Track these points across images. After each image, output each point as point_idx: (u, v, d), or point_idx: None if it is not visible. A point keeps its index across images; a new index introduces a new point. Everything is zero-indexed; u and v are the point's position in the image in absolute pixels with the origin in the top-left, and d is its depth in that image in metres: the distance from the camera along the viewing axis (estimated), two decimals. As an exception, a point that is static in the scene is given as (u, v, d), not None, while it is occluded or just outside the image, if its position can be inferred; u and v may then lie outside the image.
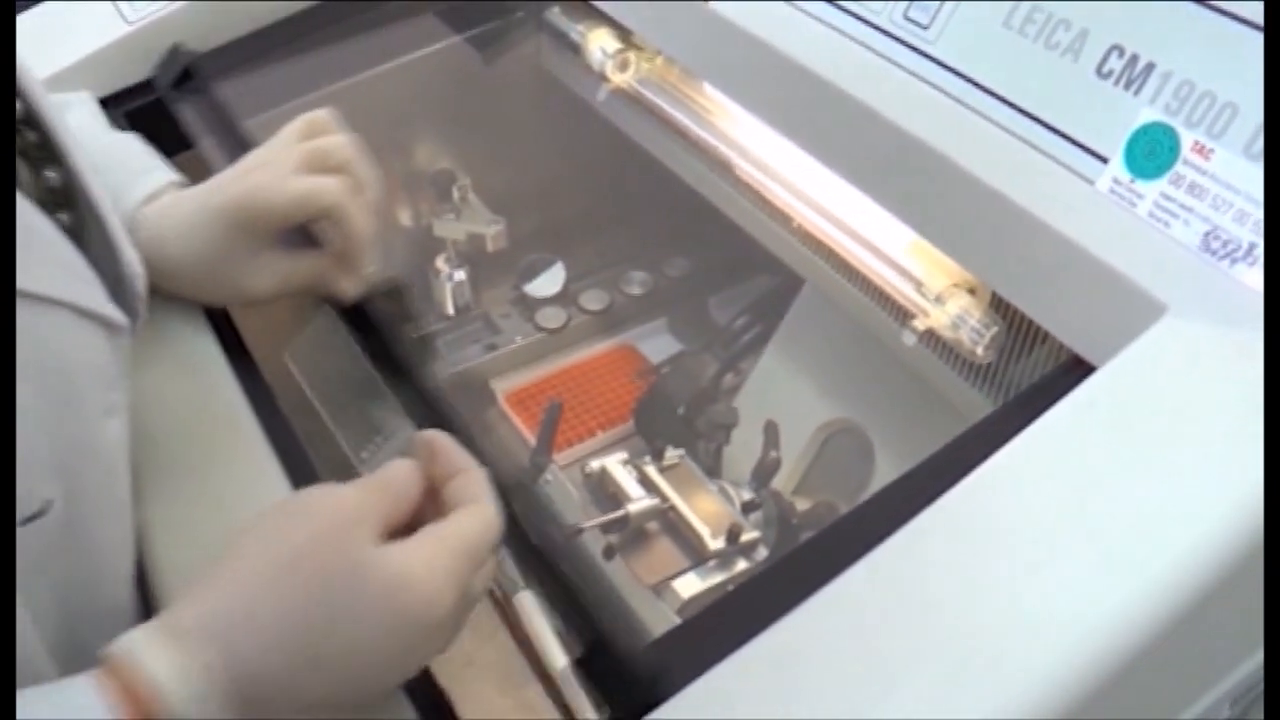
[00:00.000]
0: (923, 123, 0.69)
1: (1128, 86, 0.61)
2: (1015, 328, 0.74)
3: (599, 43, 1.00)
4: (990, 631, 0.48)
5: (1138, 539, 0.51)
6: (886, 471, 1.00)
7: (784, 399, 1.08)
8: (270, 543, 0.47)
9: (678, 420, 1.10)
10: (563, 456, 1.17)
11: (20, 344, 0.45)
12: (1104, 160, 0.61)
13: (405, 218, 1.29)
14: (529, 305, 1.31)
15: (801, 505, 1.02)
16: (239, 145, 0.79)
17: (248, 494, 0.64)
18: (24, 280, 0.45)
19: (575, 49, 1.03)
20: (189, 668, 0.42)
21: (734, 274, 1.32)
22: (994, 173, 0.65)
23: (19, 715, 0.39)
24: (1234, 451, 0.52)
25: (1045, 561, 0.50)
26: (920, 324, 0.74)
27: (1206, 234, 0.56)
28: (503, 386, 1.27)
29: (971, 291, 0.75)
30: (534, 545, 0.56)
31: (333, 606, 0.44)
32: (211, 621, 0.44)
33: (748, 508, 0.95)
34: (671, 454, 0.95)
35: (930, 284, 0.75)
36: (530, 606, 0.80)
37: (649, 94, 0.98)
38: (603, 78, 1.01)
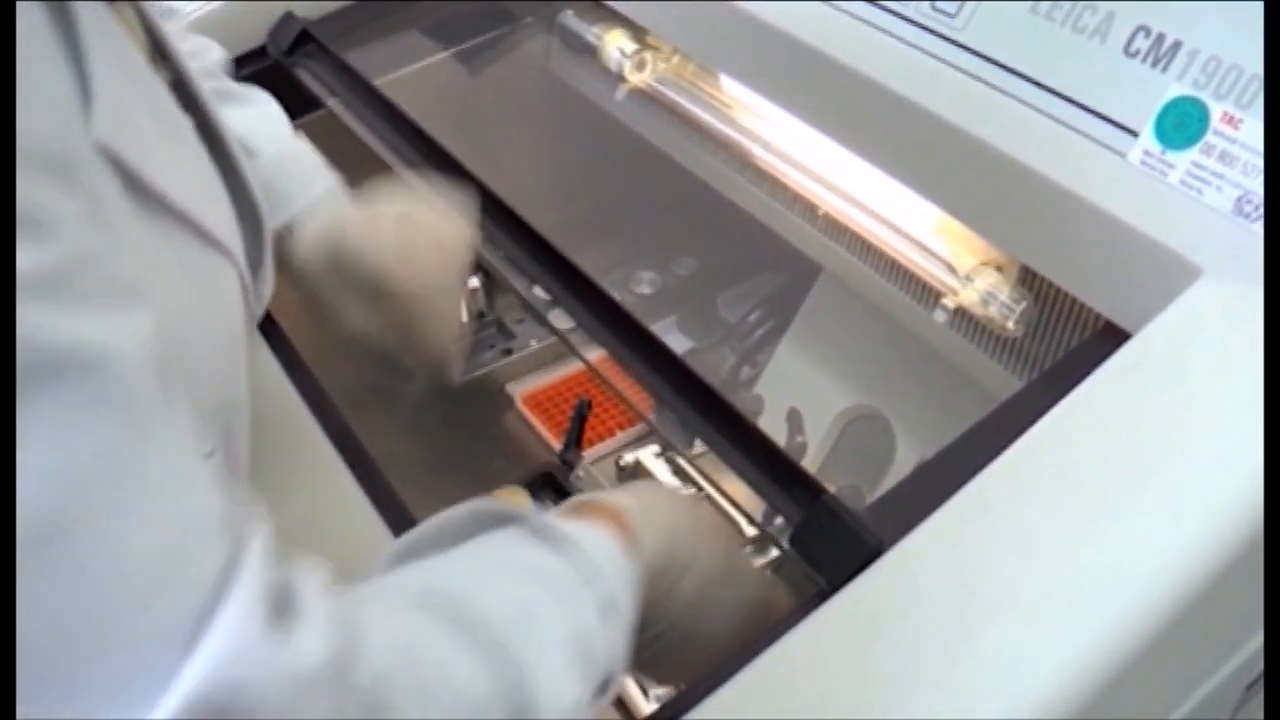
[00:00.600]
0: (952, 106, 0.71)
1: (1155, 64, 0.64)
2: (1044, 302, 0.76)
3: (616, 43, 1.03)
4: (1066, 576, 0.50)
5: (1190, 496, 0.53)
6: (907, 455, 1.02)
7: (802, 388, 1.10)
8: None
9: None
10: (587, 454, 1.18)
11: (198, 284, 0.48)
12: (1134, 134, 0.64)
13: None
14: (540, 309, 1.33)
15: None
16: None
17: (314, 485, 0.66)
18: (209, 224, 0.49)
19: (591, 51, 1.06)
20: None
21: (740, 272, 1.35)
22: (1025, 149, 0.68)
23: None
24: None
25: (1109, 514, 0.52)
26: (950, 302, 0.76)
27: (1239, 198, 0.59)
28: (520, 390, 1.28)
29: (999, 269, 0.77)
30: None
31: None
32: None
33: (777, 493, 0.97)
34: (699, 444, 0.97)
35: (959, 263, 0.78)
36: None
37: (668, 91, 1.00)
38: (620, 78, 1.04)
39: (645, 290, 1.36)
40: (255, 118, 0.78)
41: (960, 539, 0.55)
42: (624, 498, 0.59)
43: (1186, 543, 0.51)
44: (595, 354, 1.31)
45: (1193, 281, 0.60)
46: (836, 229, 0.89)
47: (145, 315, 0.39)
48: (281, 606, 0.39)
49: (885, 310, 0.98)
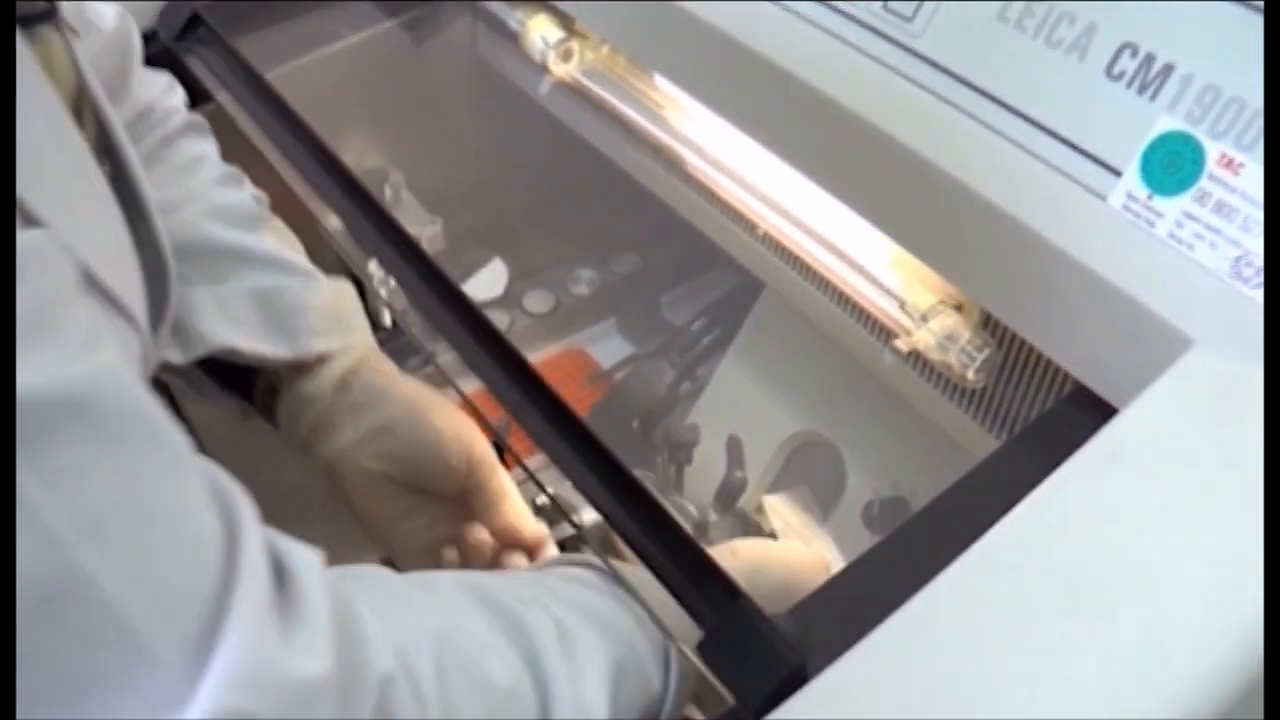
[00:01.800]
0: (905, 125, 0.62)
1: (1142, 90, 0.54)
2: (1009, 349, 0.68)
3: (539, 31, 0.92)
4: None
5: (1177, 632, 0.45)
6: (858, 487, 0.94)
7: (746, 409, 1.01)
8: None
9: (633, 435, 1.03)
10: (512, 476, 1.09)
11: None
12: (1117, 173, 0.54)
13: (332, 220, 1.20)
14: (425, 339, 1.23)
15: (769, 526, 0.96)
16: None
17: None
18: (114, 284, 0.46)
19: (513, 38, 0.95)
20: None
21: (687, 270, 1.25)
22: (987, 183, 0.59)
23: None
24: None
25: (1082, 648, 0.44)
26: (904, 344, 0.67)
27: (1237, 259, 0.50)
28: (444, 395, 1.19)
29: (959, 308, 0.68)
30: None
31: None
32: None
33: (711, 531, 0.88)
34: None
35: (914, 300, 0.69)
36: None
37: (595, 87, 0.90)
38: (544, 69, 0.93)
39: (583, 290, 1.27)
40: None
41: (908, 663, 0.46)
42: (729, 558, 0.61)
43: (1172, 689, 0.43)
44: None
45: (1182, 353, 0.51)
46: (778, 249, 0.80)
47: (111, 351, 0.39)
48: (285, 607, 0.40)
49: (833, 332, 0.89)
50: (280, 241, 0.75)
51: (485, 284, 1.24)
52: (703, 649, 0.51)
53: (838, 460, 0.96)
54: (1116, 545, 0.47)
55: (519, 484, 0.79)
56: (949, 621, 0.48)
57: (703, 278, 1.23)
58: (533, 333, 1.24)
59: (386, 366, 0.74)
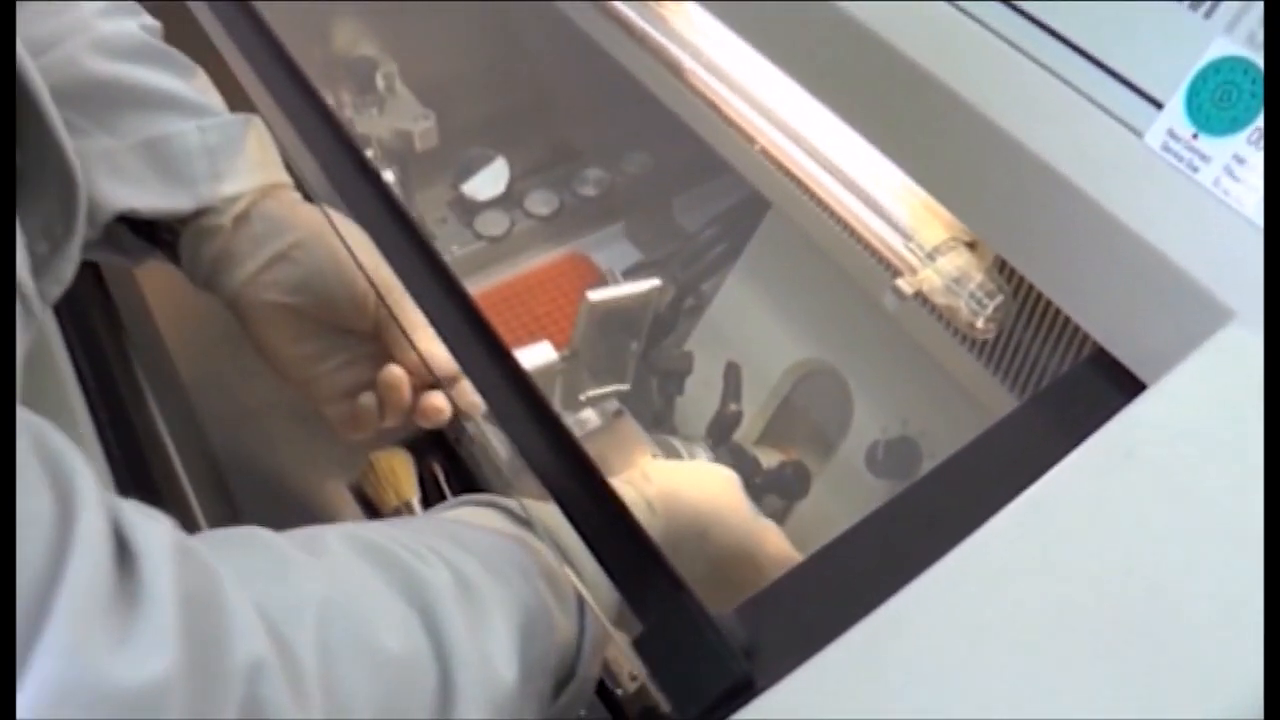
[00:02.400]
0: (916, 37, 0.53)
1: (1195, 3, 0.45)
2: (1024, 296, 0.59)
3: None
4: None
5: (1188, 651, 0.38)
6: (864, 423, 0.87)
7: (749, 333, 0.94)
8: None
9: (628, 355, 0.96)
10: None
11: None
12: (1157, 105, 0.45)
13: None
14: (468, 209, 1.16)
15: (767, 459, 0.89)
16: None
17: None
18: None
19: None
20: None
21: (702, 172, 1.16)
22: (1004, 107, 0.50)
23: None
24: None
25: (1081, 675, 0.37)
26: (907, 285, 0.59)
27: (1296, 217, 0.42)
28: (437, 304, 1.12)
29: (972, 246, 0.60)
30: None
31: None
32: None
33: (702, 471, 0.81)
34: (601, 391, 0.81)
35: (922, 235, 0.60)
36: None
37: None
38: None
39: (589, 191, 1.18)
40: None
41: (872, 681, 0.39)
42: (628, 489, 0.59)
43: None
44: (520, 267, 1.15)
45: (1220, 326, 0.42)
46: (780, 166, 0.71)
47: None
48: (125, 595, 0.35)
49: (840, 259, 0.80)
50: (178, 74, 0.68)
51: (485, 183, 1.16)
52: (640, 646, 0.45)
53: (844, 393, 0.88)
54: (1120, 561, 0.40)
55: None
56: (924, 635, 0.41)
57: (719, 180, 1.14)
58: (534, 236, 1.16)
59: (291, 196, 0.68)
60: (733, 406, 0.83)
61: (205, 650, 0.36)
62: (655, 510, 0.59)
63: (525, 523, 0.53)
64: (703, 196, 1.17)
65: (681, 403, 0.90)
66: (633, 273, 1.11)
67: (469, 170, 1.16)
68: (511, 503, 0.54)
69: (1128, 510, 0.40)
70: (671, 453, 0.81)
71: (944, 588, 0.42)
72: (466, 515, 0.54)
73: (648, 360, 0.91)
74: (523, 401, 0.51)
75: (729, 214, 1.04)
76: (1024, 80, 0.49)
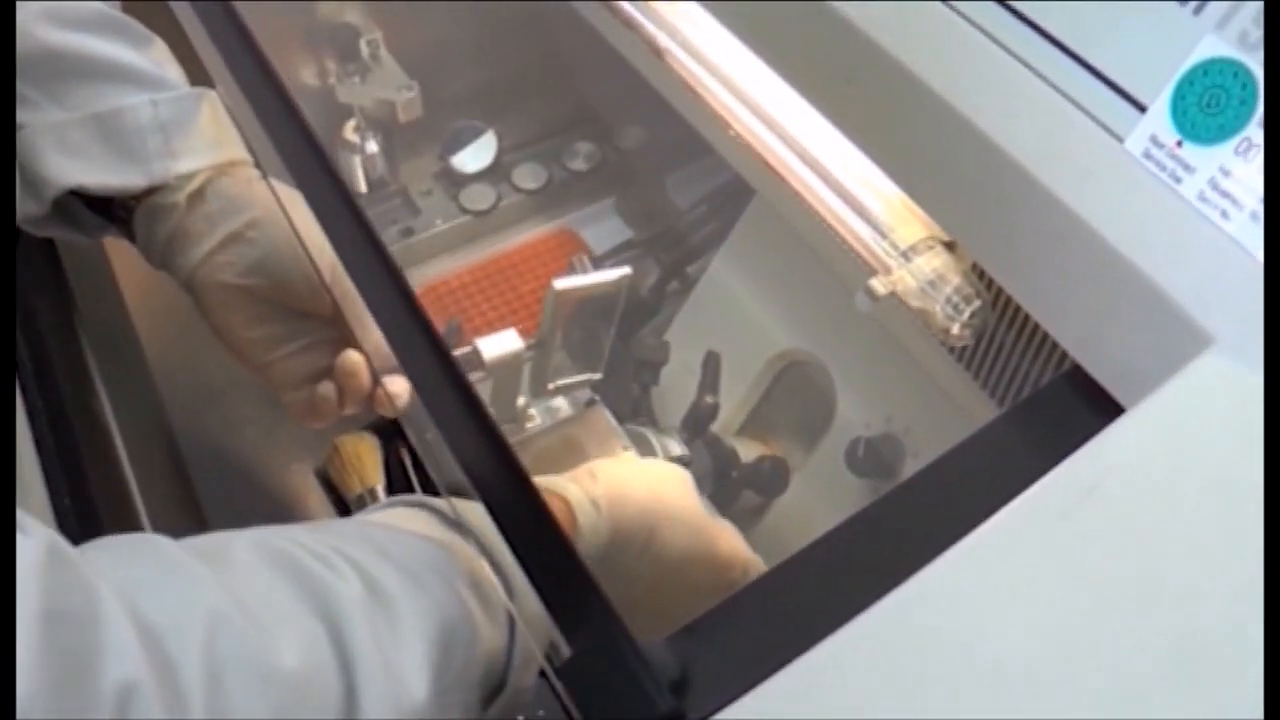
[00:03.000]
0: (895, 30, 0.49)
1: (1183, 1, 0.41)
2: (1005, 303, 0.56)
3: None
4: None
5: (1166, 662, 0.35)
6: (847, 419, 0.84)
7: (733, 320, 0.91)
8: None
9: (603, 343, 0.93)
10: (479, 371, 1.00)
11: None
12: (1140, 108, 0.42)
13: (308, 76, 1.09)
14: (454, 181, 1.13)
15: (747, 452, 0.86)
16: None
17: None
18: None
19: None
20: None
21: (699, 147, 1.12)
22: (978, 102, 0.46)
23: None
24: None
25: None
26: (880, 285, 0.56)
27: (1284, 237, 0.38)
28: (420, 277, 1.09)
29: (950, 247, 0.57)
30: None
31: None
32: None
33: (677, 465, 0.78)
34: (571, 380, 0.78)
35: (899, 233, 0.57)
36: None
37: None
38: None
39: (580, 165, 1.15)
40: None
41: None
42: (574, 488, 0.57)
43: None
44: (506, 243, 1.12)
45: (1198, 353, 0.39)
46: (756, 154, 0.68)
47: None
48: None
49: (824, 254, 0.77)
50: (133, 45, 0.66)
51: (472, 155, 1.13)
52: (563, 674, 0.42)
53: (828, 386, 0.85)
54: (1072, 604, 0.37)
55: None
56: (868, 673, 0.38)
57: (716, 157, 1.10)
58: (521, 210, 1.13)
59: (248, 173, 0.66)
60: (709, 399, 0.80)
61: (70, 672, 0.34)
62: (601, 510, 0.56)
63: (457, 526, 0.51)
64: (698, 173, 1.13)
65: (661, 391, 0.87)
66: (619, 252, 1.08)
67: (456, 142, 1.13)
68: (443, 504, 0.52)
69: (1084, 552, 0.37)
70: (643, 444, 0.78)
71: (893, 622, 0.39)
72: (395, 518, 0.51)
73: (625, 348, 0.88)
74: (456, 401, 0.48)
75: (717, 194, 1.01)
76: (1002, 76, 0.46)
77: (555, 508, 0.56)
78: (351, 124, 1.08)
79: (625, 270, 0.69)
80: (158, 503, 0.78)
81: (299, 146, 0.59)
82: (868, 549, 0.43)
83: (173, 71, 0.68)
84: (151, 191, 0.65)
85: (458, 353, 0.70)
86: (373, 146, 1.10)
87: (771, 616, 0.43)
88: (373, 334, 0.62)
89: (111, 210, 0.67)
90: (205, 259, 0.65)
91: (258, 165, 0.66)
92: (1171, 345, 0.40)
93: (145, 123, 0.64)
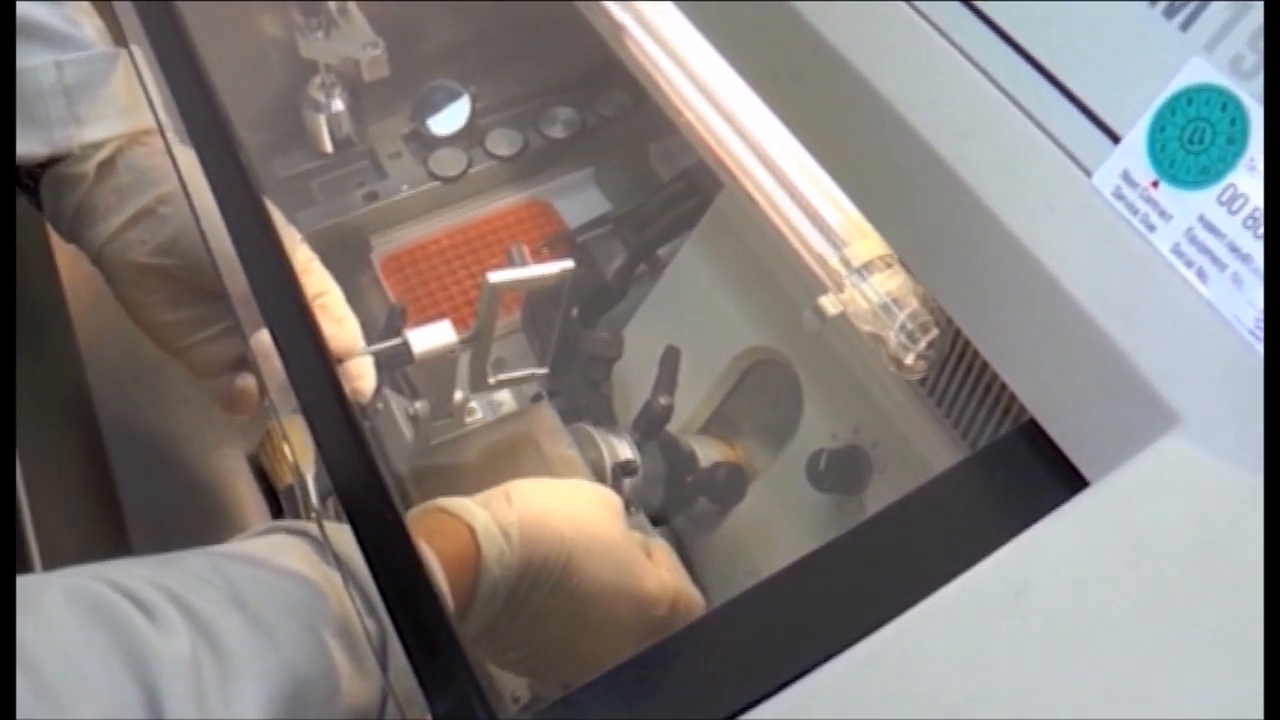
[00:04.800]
0: (859, 36, 0.43)
1: (1172, 12, 0.35)
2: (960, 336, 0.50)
3: None
4: None
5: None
6: (814, 425, 0.78)
7: (700, 313, 0.85)
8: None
9: (570, 326, 0.87)
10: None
11: None
12: (1114, 138, 0.36)
13: (272, 27, 1.03)
14: (426, 144, 1.07)
15: (707, 453, 0.81)
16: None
17: None
18: None
19: None
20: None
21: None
22: (935, 120, 0.40)
23: None
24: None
25: None
26: (830, 304, 0.50)
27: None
28: (384, 244, 1.04)
29: (909, 267, 0.51)
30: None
31: None
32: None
33: (624, 470, 0.73)
34: (518, 374, 0.73)
35: (855, 246, 0.51)
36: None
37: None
38: None
39: (558, 132, 1.09)
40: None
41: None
42: (482, 516, 0.52)
43: None
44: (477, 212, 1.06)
45: (1162, 433, 0.33)
46: (722, 150, 0.62)
47: None
48: None
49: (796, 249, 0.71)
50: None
51: (444, 118, 1.07)
52: None
53: (795, 388, 0.79)
54: (1020, 682, 0.31)
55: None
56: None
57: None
58: (493, 178, 1.07)
59: (161, 144, 0.61)
60: (662, 400, 0.74)
61: None
62: (511, 539, 0.51)
63: (335, 560, 0.46)
64: (684, 145, 1.07)
65: (624, 386, 0.82)
66: (594, 226, 1.02)
67: (428, 103, 1.07)
68: (320, 532, 0.47)
69: (1038, 632, 0.32)
70: (588, 444, 0.73)
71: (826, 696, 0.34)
72: (269, 549, 0.46)
73: (588, 338, 0.83)
74: (332, 421, 0.43)
75: (702, 169, 0.95)
76: (967, 93, 0.40)
77: (458, 537, 0.51)
78: (317, 80, 1.03)
79: (567, 263, 0.63)
80: (69, 486, 0.74)
81: (199, 111, 0.54)
82: (798, 611, 0.38)
83: (89, 29, 0.63)
84: (57, 160, 0.60)
85: (383, 346, 0.65)
86: (338, 105, 1.04)
87: (671, 688, 0.38)
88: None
89: (19, 178, 0.62)
90: (114, 235, 0.61)
91: (163, 134, 0.61)
92: (1134, 420, 0.34)
93: (48, 86, 0.59)
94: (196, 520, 0.75)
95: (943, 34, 0.40)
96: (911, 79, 0.41)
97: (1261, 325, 0.32)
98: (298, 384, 0.43)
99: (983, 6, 0.40)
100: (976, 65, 0.39)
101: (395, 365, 0.67)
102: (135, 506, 0.74)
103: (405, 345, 0.66)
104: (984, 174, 0.38)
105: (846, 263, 0.49)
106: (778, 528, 0.77)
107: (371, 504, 0.41)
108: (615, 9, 0.63)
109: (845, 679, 0.34)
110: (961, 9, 0.40)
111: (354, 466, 0.41)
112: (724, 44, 0.52)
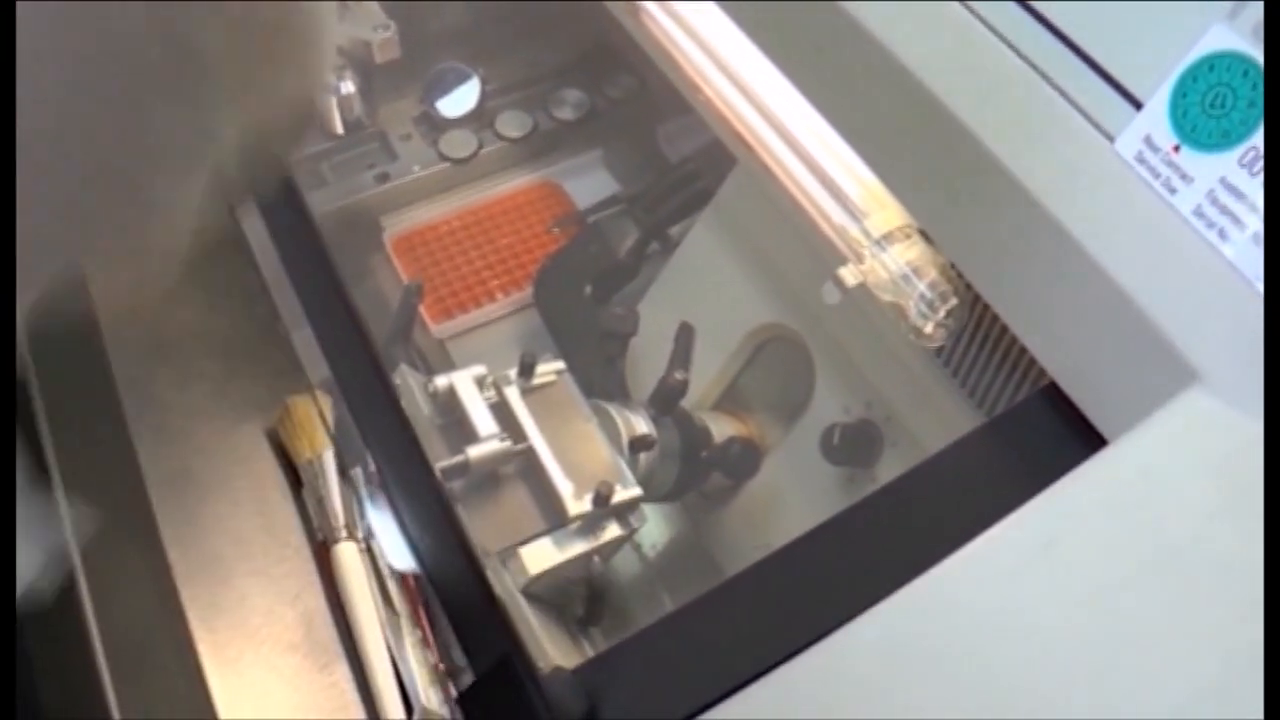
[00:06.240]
0: (872, 5, 0.44)
1: (1194, -18, 0.36)
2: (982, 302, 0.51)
3: None
4: None
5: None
6: (826, 400, 0.79)
7: (712, 290, 0.86)
8: None
9: (583, 303, 0.88)
10: (449, 327, 0.97)
11: None
12: (1136, 104, 0.37)
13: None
14: (436, 126, 1.07)
15: (720, 429, 0.82)
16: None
17: None
18: None
19: None
20: None
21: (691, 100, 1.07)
22: (959, 90, 0.41)
23: None
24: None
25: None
26: (850, 275, 0.51)
27: (1287, 265, 0.33)
28: (395, 225, 1.05)
29: (928, 237, 0.52)
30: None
31: None
32: None
33: (640, 444, 0.74)
34: (545, 368, 0.74)
35: (874, 218, 0.52)
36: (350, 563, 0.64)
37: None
38: None
39: (567, 114, 1.09)
40: None
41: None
42: None
43: None
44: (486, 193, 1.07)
45: (1182, 389, 0.34)
46: (740, 125, 0.62)
47: None
48: None
49: (810, 226, 0.72)
50: None
51: (453, 100, 1.07)
52: (464, 700, 0.39)
53: (807, 363, 0.80)
54: (1052, 630, 0.32)
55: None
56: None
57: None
58: (503, 159, 1.08)
59: None
60: (678, 374, 0.75)
61: None
62: None
63: None
64: (693, 126, 1.08)
65: (636, 362, 0.83)
66: (604, 207, 1.02)
67: (438, 84, 1.07)
68: None
69: (1065, 583, 0.33)
70: (606, 419, 0.74)
71: (831, 665, 0.35)
72: None
73: (603, 312, 0.84)
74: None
75: (710, 150, 0.96)
76: (986, 59, 0.41)
77: None
78: (326, 61, 1.03)
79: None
80: (89, 457, 0.75)
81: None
82: (822, 570, 0.39)
83: None
84: None
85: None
86: (349, 87, 1.04)
87: (700, 648, 0.39)
88: None
89: None
90: None
91: None
92: (1155, 378, 0.35)
93: None
94: (218, 490, 0.75)
95: (963, 2, 0.41)
96: (933, 48, 0.42)
97: (1282, 283, 0.33)
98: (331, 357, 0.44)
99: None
100: (998, 33, 0.40)
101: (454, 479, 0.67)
102: (159, 479, 0.75)
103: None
104: (1007, 140, 0.39)
105: (867, 233, 0.50)
106: (791, 501, 0.78)
107: (409, 468, 0.42)
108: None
109: (885, 626, 0.35)
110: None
111: (391, 434, 0.42)
112: (745, 19, 0.53)
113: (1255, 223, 0.33)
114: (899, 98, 0.43)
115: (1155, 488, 0.34)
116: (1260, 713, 0.31)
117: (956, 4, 0.41)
